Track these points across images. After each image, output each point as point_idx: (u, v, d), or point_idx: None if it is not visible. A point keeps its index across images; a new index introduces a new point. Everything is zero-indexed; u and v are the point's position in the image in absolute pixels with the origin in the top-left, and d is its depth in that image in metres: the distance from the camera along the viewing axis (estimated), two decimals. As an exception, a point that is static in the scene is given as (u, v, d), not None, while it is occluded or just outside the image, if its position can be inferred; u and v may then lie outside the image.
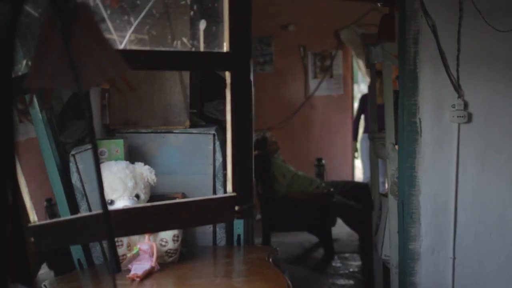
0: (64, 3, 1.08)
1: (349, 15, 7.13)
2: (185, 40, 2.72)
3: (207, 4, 2.46)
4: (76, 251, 2.79)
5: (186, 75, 3.05)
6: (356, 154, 7.37)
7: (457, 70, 3.03)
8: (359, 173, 8.11)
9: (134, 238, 2.69)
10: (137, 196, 2.72)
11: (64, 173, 2.79)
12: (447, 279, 3.15)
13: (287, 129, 7.37)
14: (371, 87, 4.27)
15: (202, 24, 2.41)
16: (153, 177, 2.80)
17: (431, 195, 3.12)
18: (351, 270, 5.31)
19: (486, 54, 3.05)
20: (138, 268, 2.55)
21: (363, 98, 6.97)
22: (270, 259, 2.80)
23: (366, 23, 7.03)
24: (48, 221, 1.34)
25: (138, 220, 1.44)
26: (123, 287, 2.45)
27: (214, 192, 3.00)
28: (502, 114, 3.08)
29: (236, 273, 2.77)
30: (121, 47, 2.20)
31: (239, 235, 3.04)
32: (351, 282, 5.03)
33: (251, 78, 1.48)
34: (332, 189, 5.55)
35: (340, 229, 5.85)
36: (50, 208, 3.00)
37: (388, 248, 3.57)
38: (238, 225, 3.03)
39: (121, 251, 2.61)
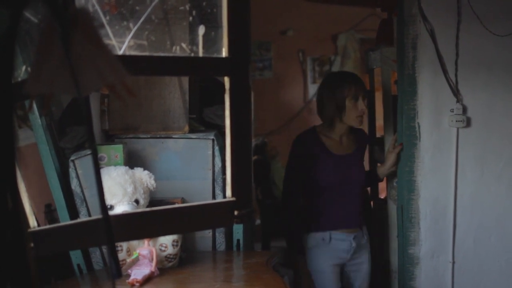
0: (64, 9, 1.08)
1: (347, 20, 7.15)
2: (184, 45, 2.72)
3: (206, 9, 2.47)
4: (76, 256, 2.79)
5: (185, 80, 3.05)
6: None
7: (456, 75, 3.03)
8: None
9: (134, 243, 2.69)
10: (137, 201, 2.73)
11: (64, 179, 2.79)
12: (446, 284, 3.15)
13: (286, 134, 7.35)
14: (371, 92, 4.27)
15: (201, 30, 2.42)
16: (153, 182, 2.80)
17: (431, 199, 3.12)
18: (350, 275, 5.28)
19: (484, 59, 3.05)
20: (138, 273, 2.55)
21: None
22: (270, 264, 2.80)
23: (365, 28, 7.05)
24: (48, 226, 1.34)
25: (138, 225, 1.44)
26: (122, 293, 2.46)
27: (214, 197, 3.00)
28: (501, 118, 3.09)
29: (236, 278, 2.77)
30: (120, 52, 2.21)
31: (238, 240, 3.04)
32: (351, 287, 5.01)
33: (250, 83, 1.49)
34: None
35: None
36: (50, 214, 3.00)
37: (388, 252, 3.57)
38: (238, 230, 3.03)
39: (120, 256, 2.61)
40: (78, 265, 2.80)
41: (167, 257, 2.71)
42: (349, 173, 3.09)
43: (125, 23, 2.30)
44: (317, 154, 3.06)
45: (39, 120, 2.67)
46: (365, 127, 3.72)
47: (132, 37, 2.29)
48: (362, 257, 3.19)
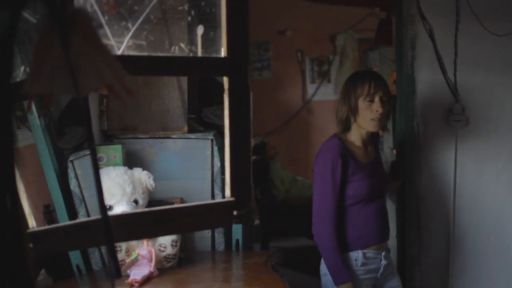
0: (62, 9, 1.08)
1: (346, 20, 7.14)
2: (182, 45, 2.73)
3: (204, 9, 2.47)
4: (75, 256, 2.78)
5: (184, 80, 3.05)
6: None
7: (455, 75, 3.03)
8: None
9: (133, 243, 2.69)
10: (136, 202, 2.72)
11: (63, 179, 2.79)
12: (445, 283, 3.15)
13: (285, 134, 7.36)
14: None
15: (200, 30, 2.42)
16: (152, 182, 2.80)
17: (429, 199, 3.12)
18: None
19: (483, 58, 3.06)
20: (137, 273, 2.55)
21: None
22: (269, 264, 2.80)
23: (363, 28, 7.05)
24: (47, 227, 1.34)
25: (137, 226, 1.44)
26: (121, 293, 2.46)
27: (213, 197, 3.00)
28: (500, 117, 3.09)
29: (235, 278, 2.77)
30: (119, 52, 2.21)
31: (237, 240, 3.04)
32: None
33: (249, 83, 1.49)
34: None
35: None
36: (49, 214, 3.00)
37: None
38: (237, 230, 3.03)
39: (119, 256, 2.61)
40: (77, 266, 2.79)
41: (166, 257, 2.71)
42: (378, 182, 2.73)
43: (123, 23, 2.30)
44: (350, 164, 2.64)
45: (38, 121, 2.67)
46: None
47: (130, 37, 2.30)
48: (395, 279, 2.81)
